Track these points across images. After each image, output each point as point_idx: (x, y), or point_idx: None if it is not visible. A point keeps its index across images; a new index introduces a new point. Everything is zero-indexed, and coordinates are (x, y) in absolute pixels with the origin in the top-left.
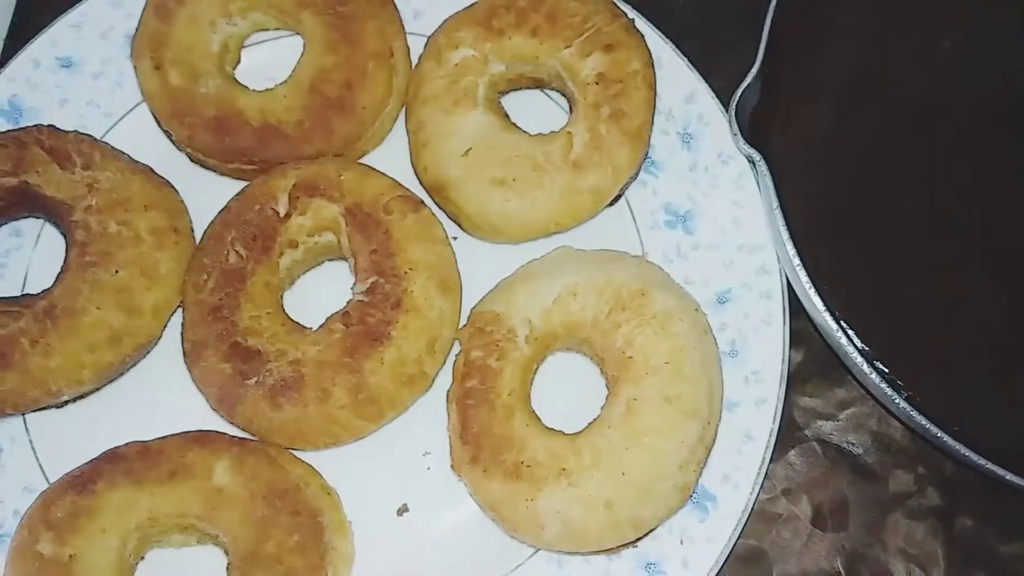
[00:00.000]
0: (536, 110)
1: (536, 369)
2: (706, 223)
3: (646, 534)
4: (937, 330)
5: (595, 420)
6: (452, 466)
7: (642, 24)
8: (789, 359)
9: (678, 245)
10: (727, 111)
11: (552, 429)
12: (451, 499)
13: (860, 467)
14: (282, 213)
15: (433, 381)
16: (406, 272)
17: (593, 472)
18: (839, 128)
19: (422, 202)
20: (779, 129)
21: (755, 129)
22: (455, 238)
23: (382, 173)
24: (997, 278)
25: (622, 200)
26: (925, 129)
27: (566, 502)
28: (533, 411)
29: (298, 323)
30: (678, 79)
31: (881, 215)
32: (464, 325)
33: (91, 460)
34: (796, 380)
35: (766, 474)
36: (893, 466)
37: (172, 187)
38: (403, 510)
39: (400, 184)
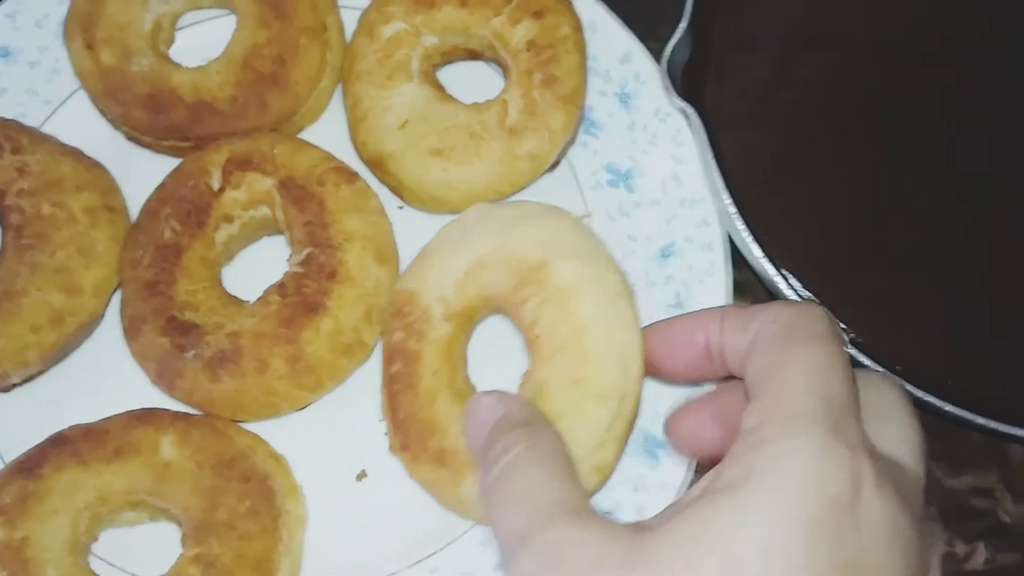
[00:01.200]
0: (473, 81)
1: (467, 340)
2: (647, 180)
3: None
4: (876, 273)
5: None
6: (390, 449)
7: None
8: None
9: (620, 203)
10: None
11: None
12: None
13: None
14: (216, 188)
15: (372, 350)
16: (341, 243)
17: None
18: (773, 80)
19: (356, 174)
20: (713, 83)
21: (689, 84)
22: (400, 208)
23: (316, 146)
24: (934, 223)
25: (565, 162)
26: (861, 78)
27: None
28: (468, 386)
29: (236, 297)
30: (612, 40)
31: (817, 164)
32: (386, 307)
33: (36, 445)
34: None
35: None
36: None
37: (103, 167)
38: (362, 476)
39: (333, 156)
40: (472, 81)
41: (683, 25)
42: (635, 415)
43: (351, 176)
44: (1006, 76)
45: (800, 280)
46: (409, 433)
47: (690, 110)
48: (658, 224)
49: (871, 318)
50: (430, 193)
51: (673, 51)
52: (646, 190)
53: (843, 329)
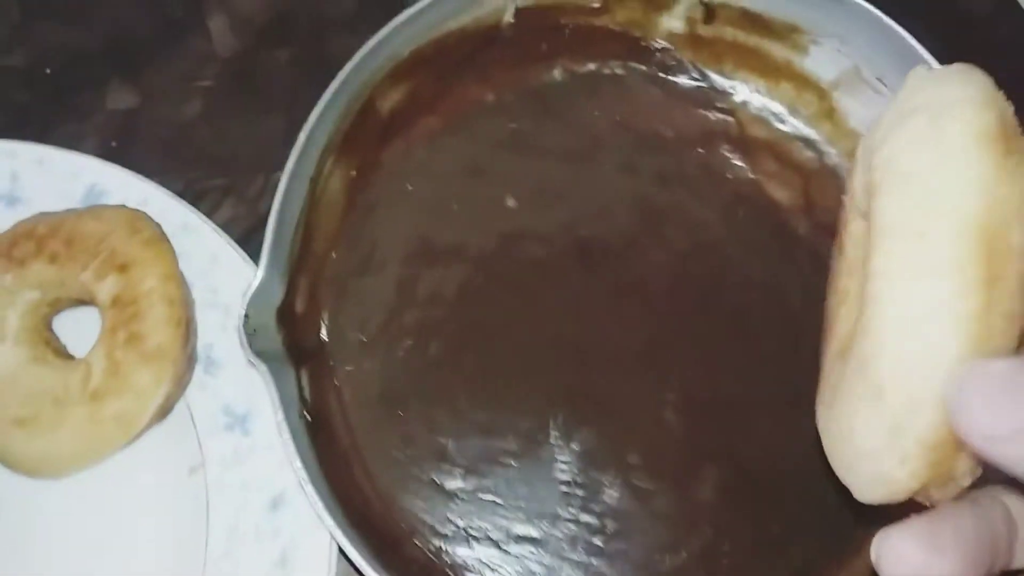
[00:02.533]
0: None
1: None
2: (263, 423)
3: None
4: None
5: None
6: None
7: (198, 220)
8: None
9: (236, 449)
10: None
11: None
12: None
13: None
14: None
15: None
16: None
17: None
18: (396, 302)
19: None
20: (330, 316)
21: (294, 326)
22: None
23: None
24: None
25: (183, 405)
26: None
27: None
28: None
29: None
30: (236, 273)
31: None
32: None
33: None
34: None
35: None
36: None
37: None
38: None
39: None
40: None
41: (259, 276)
42: None
43: None
44: (628, 274)
45: None
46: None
47: (263, 367)
48: (271, 470)
49: None
50: (19, 463)
51: (251, 303)
52: (261, 433)
53: None
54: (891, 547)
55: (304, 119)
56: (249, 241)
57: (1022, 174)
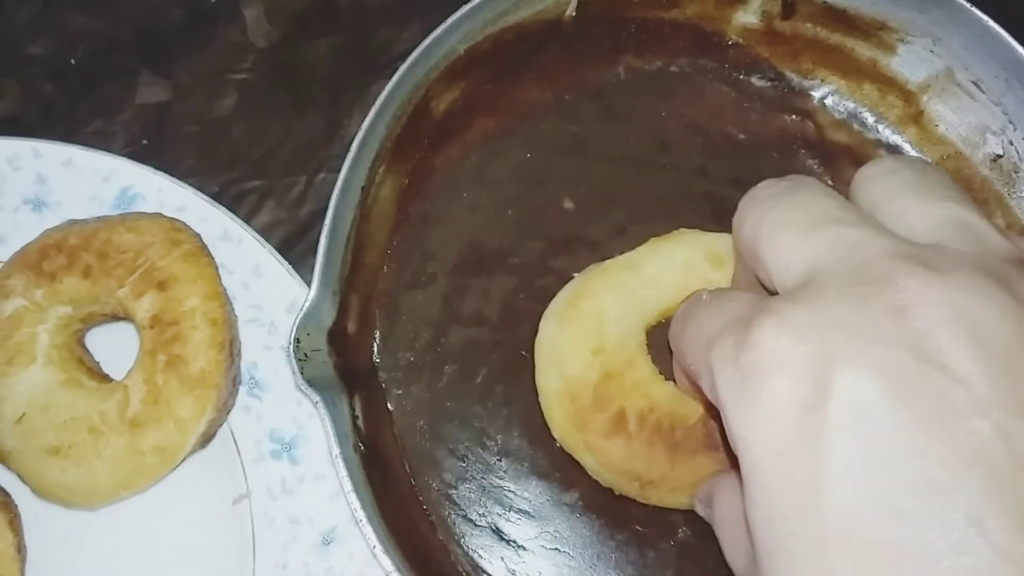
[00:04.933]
0: None
1: None
2: (311, 450)
3: None
4: None
5: None
6: None
7: (239, 229)
8: None
9: (284, 479)
10: (288, 343)
11: None
12: None
13: None
14: None
15: None
16: None
17: None
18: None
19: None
20: (381, 336)
21: (345, 348)
22: None
23: None
24: None
25: (226, 430)
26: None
27: None
28: None
29: None
30: (280, 286)
31: None
32: None
33: None
34: None
35: None
36: None
37: None
38: None
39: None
40: None
41: (311, 296)
42: None
43: None
44: None
45: None
46: None
47: (316, 398)
48: (321, 503)
49: None
50: (53, 494)
51: (298, 327)
52: (310, 462)
53: None
54: None
55: (347, 115)
56: (291, 248)
57: None
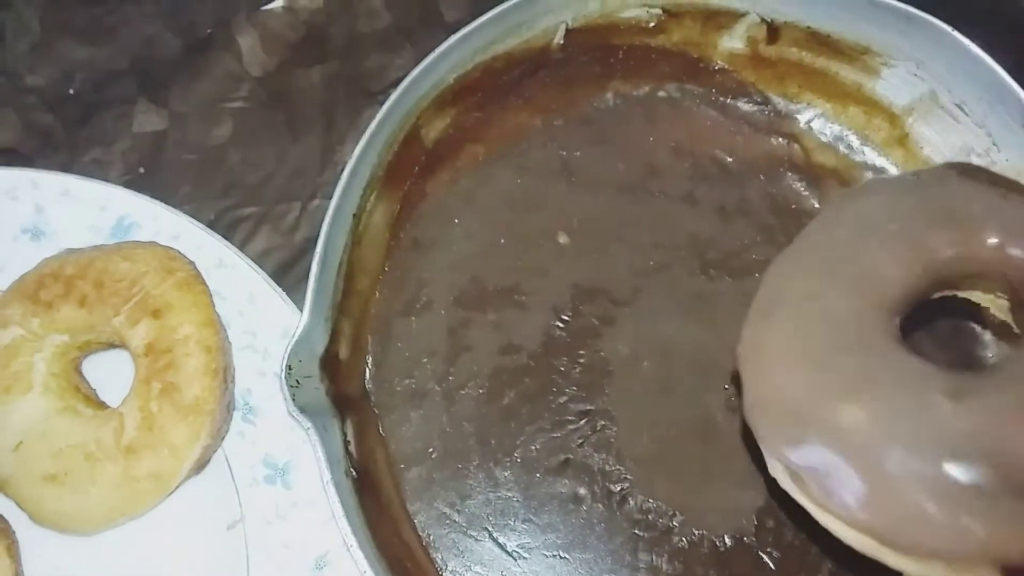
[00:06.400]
0: None
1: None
2: (304, 475)
3: None
4: None
5: None
6: None
7: (233, 256)
8: None
9: (277, 505)
10: (280, 370)
11: None
12: None
13: None
14: None
15: None
16: None
17: None
18: (450, 348)
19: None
20: (374, 362)
21: (337, 374)
22: None
23: None
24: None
25: (220, 456)
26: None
27: None
28: None
29: None
30: (274, 313)
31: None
32: None
33: None
34: None
35: None
36: None
37: None
38: None
39: None
40: None
41: (302, 324)
42: None
43: None
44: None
45: None
46: None
47: (307, 424)
48: (314, 529)
49: None
50: (50, 520)
51: (291, 354)
52: (303, 488)
53: None
54: None
55: (340, 141)
56: (285, 274)
57: None
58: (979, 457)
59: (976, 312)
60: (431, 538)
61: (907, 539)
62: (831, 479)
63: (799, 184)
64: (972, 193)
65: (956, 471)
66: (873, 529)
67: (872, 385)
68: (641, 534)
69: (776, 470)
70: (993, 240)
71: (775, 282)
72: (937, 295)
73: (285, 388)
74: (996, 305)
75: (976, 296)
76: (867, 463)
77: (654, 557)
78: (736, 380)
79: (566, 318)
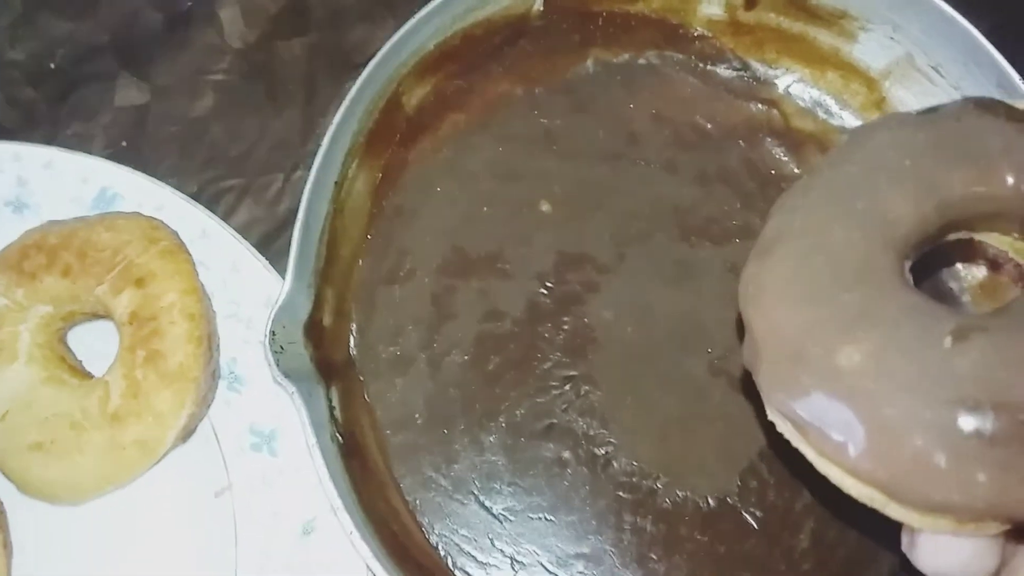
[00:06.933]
0: None
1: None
2: (291, 442)
3: None
4: None
5: None
6: None
7: (216, 227)
8: None
9: (264, 472)
10: (264, 335)
11: None
12: None
13: None
14: None
15: None
16: None
17: None
18: (435, 315)
19: None
20: (358, 329)
21: (321, 340)
22: None
23: None
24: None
25: (207, 424)
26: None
27: None
28: None
29: None
30: (258, 282)
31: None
32: None
33: None
34: None
35: None
36: None
37: None
38: None
39: None
40: None
41: (285, 290)
42: None
43: None
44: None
45: None
46: None
47: (291, 388)
48: (302, 494)
49: None
50: (37, 489)
51: (285, 313)
52: (289, 455)
53: None
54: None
55: (322, 113)
56: (269, 246)
57: None
58: (991, 404)
59: (955, 273)
60: (417, 502)
61: (913, 491)
62: (831, 425)
63: (778, 150)
64: (990, 129)
65: (966, 419)
66: (876, 480)
67: (876, 324)
68: (625, 496)
69: (775, 415)
70: (1011, 178)
71: (779, 217)
72: (952, 237)
73: (269, 353)
74: (1015, 248)
75: (993, 239)
76: (870, 408)
77: (638, 519)
78: (739, 327)
79: (550, 285)
